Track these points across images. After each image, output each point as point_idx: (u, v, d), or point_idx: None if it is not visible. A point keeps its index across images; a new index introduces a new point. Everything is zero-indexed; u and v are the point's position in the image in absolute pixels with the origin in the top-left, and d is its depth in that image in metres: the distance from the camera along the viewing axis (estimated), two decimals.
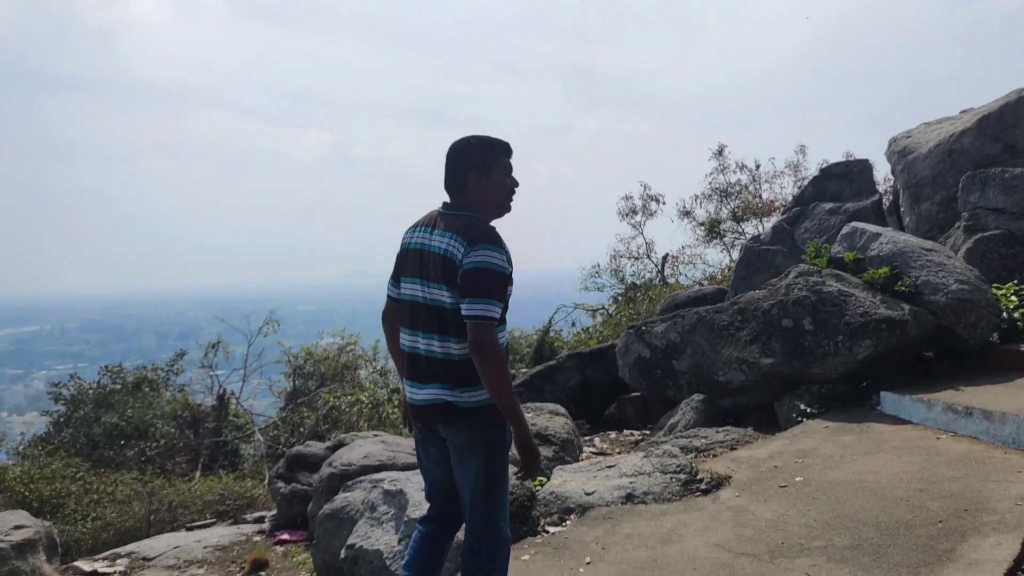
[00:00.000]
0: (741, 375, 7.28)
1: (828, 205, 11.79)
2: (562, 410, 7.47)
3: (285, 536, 6.51)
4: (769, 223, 23.42)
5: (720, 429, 6.79)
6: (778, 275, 8.77)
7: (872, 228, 7.64)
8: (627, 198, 23.05)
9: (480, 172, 3.00)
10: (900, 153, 10.05)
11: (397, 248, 3.20)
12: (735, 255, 23.23)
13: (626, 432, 8.56)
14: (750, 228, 23.01)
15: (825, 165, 12.53)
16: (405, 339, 3.09)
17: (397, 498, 4.95)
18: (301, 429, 14.60)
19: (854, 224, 7.80)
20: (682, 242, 25.57)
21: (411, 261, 3.06)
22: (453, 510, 3.19)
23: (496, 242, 2.87)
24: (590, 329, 22.17)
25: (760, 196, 23.21)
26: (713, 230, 22.99)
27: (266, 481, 9.46)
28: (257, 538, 6.75)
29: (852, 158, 12.92)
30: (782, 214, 12.90)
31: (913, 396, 6.16)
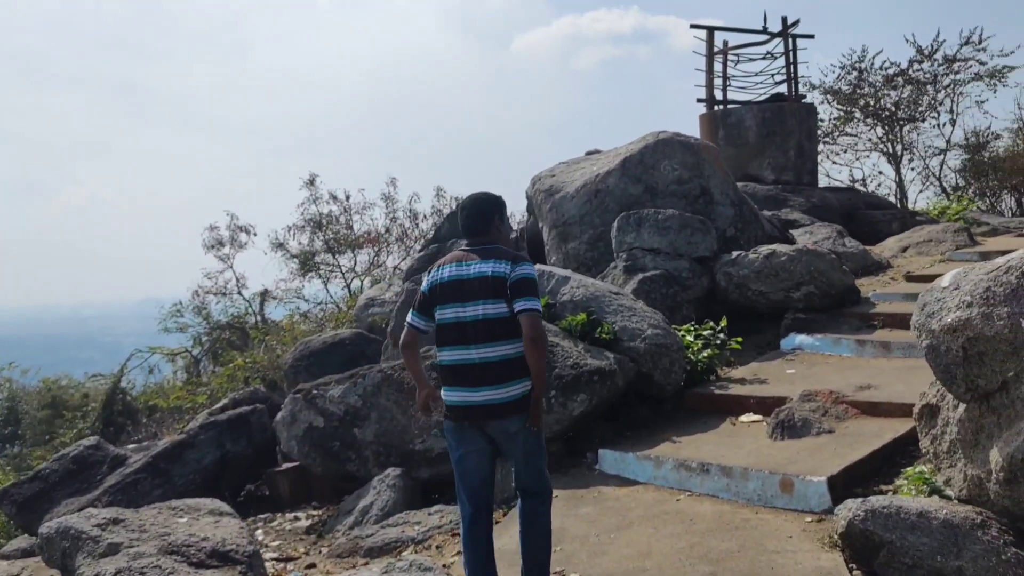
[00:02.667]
0: (442, 441, 6.36)
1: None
2: (226, 508, 5.79)
3: None
4: (360, 256, 23.11)
5: (432, 511, 5.82)
6: None
7: (559, 271, 7.29)
8: (212, 228, 21.01)
9: (499, 219, 3.94)
10: (547, 192, 10.03)
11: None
12: (333, 289, 22.44)
13: (289, 515, 7.13)
14: (345, 261, 22.43)
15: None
16: (454, 355, 3.75)
17: None
18: None
19: (540, 267, 7.37)
20: (275, 276, 24.00)
21: (447, 291, 3.77)
22: (489, 501, 3.93)
23: (530, 261, 3.85)
24: (176, 376, 19.62)
25: (351, 227, 22.80)
26: (307, 263, 21.98)
27: None
28: None
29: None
30: (419, 250, 12.35)
31: (637, 453, 5.79)
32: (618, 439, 6.23)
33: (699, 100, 15.96)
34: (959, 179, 22.48)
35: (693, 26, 16.04)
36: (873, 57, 21.56)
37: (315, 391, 7.01)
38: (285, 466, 7.84)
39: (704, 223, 8.47)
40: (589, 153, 11.40)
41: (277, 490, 7.82)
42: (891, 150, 22.59)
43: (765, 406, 6.21)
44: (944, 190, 22.34)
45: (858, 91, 22.15)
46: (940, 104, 21.53)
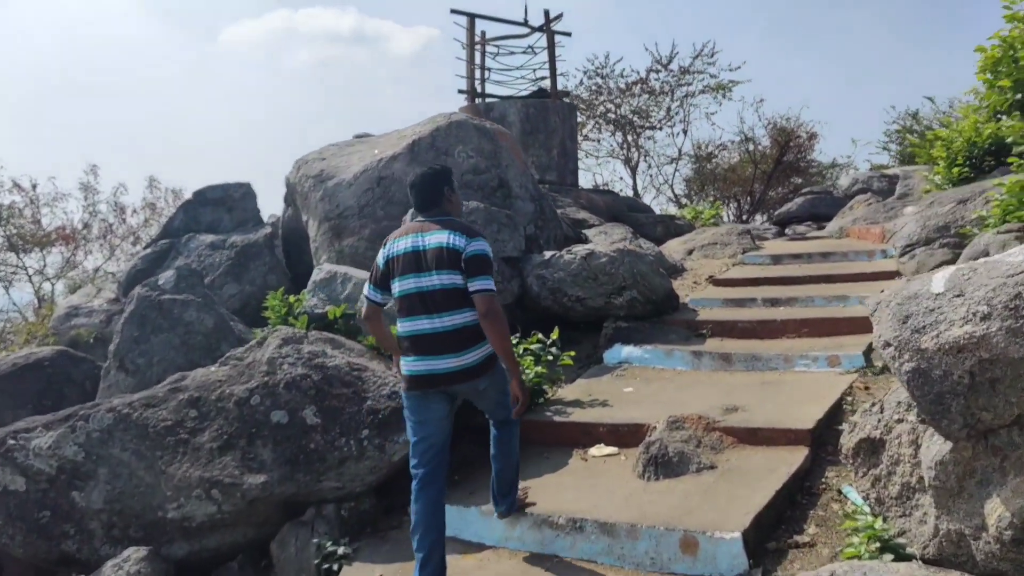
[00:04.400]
0: (210, 505, 4.67)
1: (209, 238, 9.54)
2: None
3: None
4: (51, 255, 19.67)
5: None
6: (191, 334, 6.36)
7: (359, 273, 5.81)
8: None
9: (449, 189, 4.01)
10: (317, 178, 8.40)
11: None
12: (18, 297, 18.80)
13: None
14: (32, 261, 19.00)
15: (199, 190, 10.13)
16: (412, 325, 3.83)
17: None
18: None
19: (331, 268, 5.85)
20: None
21: (403, 264, 3.84)
22: (440, 465, 3.92)
23: (484, 236, 3.92)
24: None
25: (39, 222, 19.40)
26: None
27: None
28: None
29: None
30: (145, 247, 10.05)
31: (482, 507, 4.51)
32: (448, 486, 4.89)
33: (460, 91, 15.00)
34: (687, 187, 23.65)
35: (453, 11, 15.01)
36: (614, 64, 22.00)
37: (11, 440, 4.94)
38: None
39: (512, 218, 7.37)
40: (359, 136, 9.89)
41: None
42: (629, 157, 23.23)
43: (619, 435, 5.20)
44: (675, 197, 23.38)
45: (599, 97, 22.48)
46: (675, 114, 22.43)
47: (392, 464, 4.72)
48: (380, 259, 3.96)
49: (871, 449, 3.71)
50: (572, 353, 6.32)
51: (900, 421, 3.58)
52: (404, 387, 3.90)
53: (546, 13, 15.15)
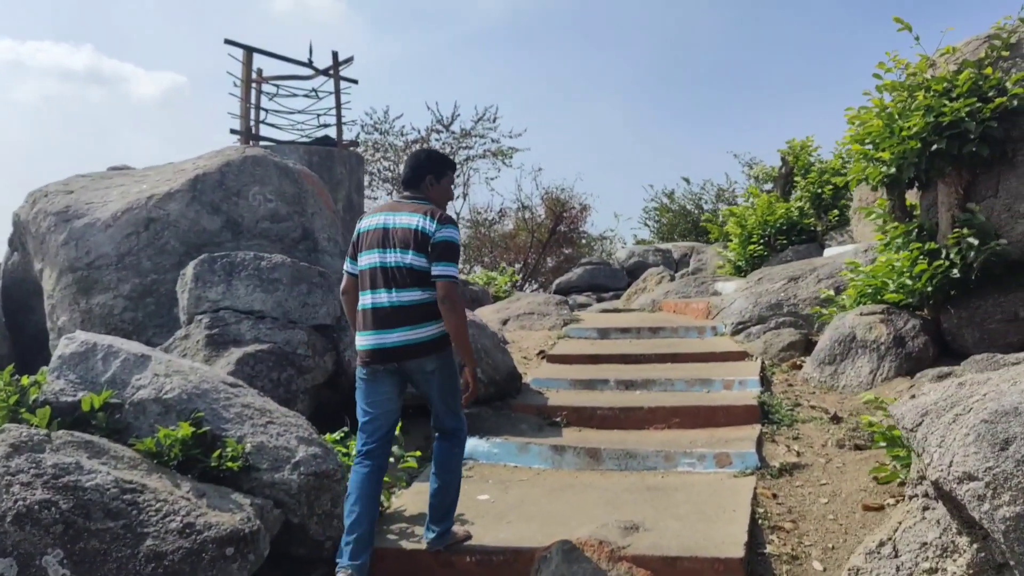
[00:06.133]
0: None
1: None
2: None
3: None
4: None
5: None
6: None
7: (128, 346, 4.19)
8: None
9: (434, 178, 3.97)
10: (60, 216, 6.49)
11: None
12: None
13: None
14: None
15: None
16: (370, 299, 3.81)
17: None
18: None
19: (87, 337, 4.18)
20: None
21: (371, 239, 3.86)
22: (387, 442, 3.93)
23: (455, 224, 3.88)
24: None
25: None
26: None
27: None
28: None
29: None
30: None
31: None
32: None
33: (233, 131, 13.23)
34: (464, 252, 23.02)
35: (227, 42, 13.27)
36: (394, 120, 21.07)
37: None
38: None
39: (326, 277, 5.97)
40: (116, 169, 8.00)
41: None
42: None
43: (492, 568, 3.99)
44: None
45: (375, 154, 21.41)
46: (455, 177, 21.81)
47: None
48: (355, 233, 4.00)
49: None
50: (418, 453, 5.04)
51: (933, 573, 2.70)
52: (358, 363, 3.90)
53: (334, 55, 13.87)
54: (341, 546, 3.71)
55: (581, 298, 16.44)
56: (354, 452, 4.03)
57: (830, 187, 12.02)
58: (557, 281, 18.83)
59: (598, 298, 16.71)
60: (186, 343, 5.60)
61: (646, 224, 25.30)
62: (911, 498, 2.87)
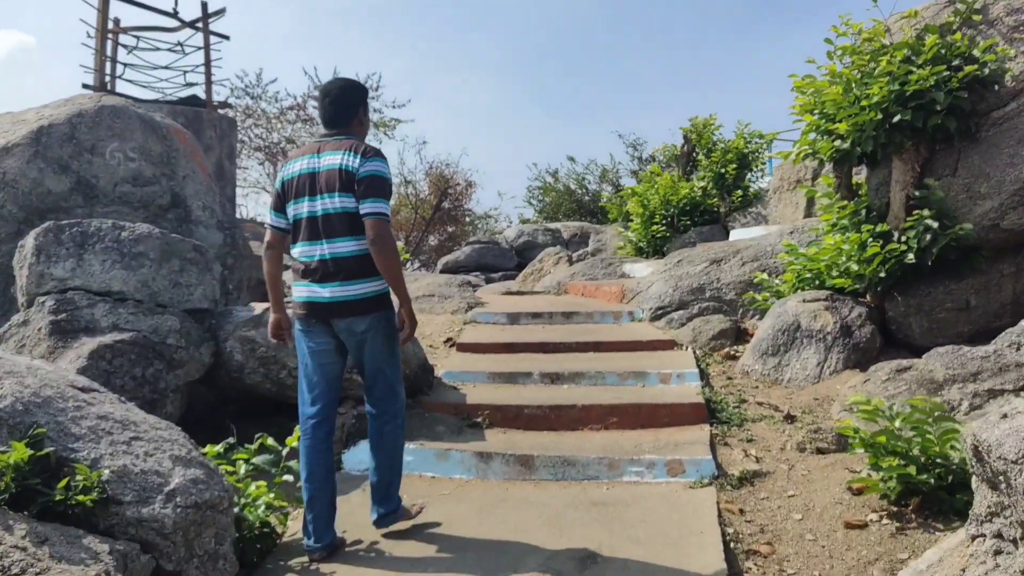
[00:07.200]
0: None
1: None
2: None
3: None
4: None
5: None
6: None
7: None
8: None
9: (364, 111, 3.72)
10: None
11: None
12: None
13: None
14: None
15: None
16: (305, 250, 3.51)
17: None
18: None
19: None
20: None
21: (298, 186, 3.52)
22: (333, 404, 3.70)
23: (383, 156, 3.55)
24: None
25: None
26: None
27: None
28: None
29: None
30: None
31: None
32: None
33: (85, 86, 11.71)
34: None
35: None
36: (267, 84, 19.62)
37: None
38: None
39: (202, 252, 4.99)
40: None
41: None
42: None
43: None
44: None
45: (247, 120, 19.91)
46: None
47: None
48: (277, 182, 3.69)
49: None
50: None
51: None
52: (293, 314, 3.67)
53: (203, 6, 12.52)
54: (304, 523, 3.56)
55: (470, 278, 15.76)
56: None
57: (733, 166, 11.73)
58: (443, 260, 18.04)
59: (487, 279, 16.05)
60: (24, 331, 4.54)
61: (530, 203, 24.83)
62: (975, 538, 2.32)
